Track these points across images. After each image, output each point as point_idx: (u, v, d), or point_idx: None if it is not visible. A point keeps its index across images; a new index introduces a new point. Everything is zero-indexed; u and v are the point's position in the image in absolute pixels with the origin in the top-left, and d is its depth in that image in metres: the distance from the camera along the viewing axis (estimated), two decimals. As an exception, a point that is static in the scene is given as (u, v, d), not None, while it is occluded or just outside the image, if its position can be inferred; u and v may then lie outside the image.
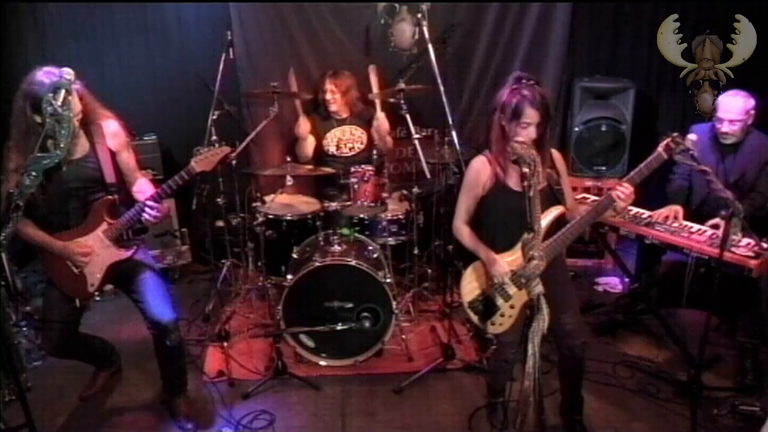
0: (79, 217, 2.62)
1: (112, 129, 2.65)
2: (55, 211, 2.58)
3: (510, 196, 2.43)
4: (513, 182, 2.45)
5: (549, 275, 2.41)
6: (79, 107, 2.49)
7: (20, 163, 2.33)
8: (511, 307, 2.52)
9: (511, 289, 2.49)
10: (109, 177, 2.62)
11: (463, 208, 2.59)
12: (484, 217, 2.57)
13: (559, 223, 2.46)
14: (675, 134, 2.42)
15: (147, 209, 2.56)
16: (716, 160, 3.31)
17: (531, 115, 2.32)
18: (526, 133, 2.34)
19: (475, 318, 2.62)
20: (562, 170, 2.54)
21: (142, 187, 2.72)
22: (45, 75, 2.36)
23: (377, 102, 4.03)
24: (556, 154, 2.54)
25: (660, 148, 2.42)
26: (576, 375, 2.74)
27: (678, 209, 3.22)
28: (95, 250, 2.63)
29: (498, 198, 2.48)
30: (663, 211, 3.19)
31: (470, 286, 2.61)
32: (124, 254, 2.69)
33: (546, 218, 2.39)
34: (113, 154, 2.64)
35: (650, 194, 3.49)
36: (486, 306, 2.57)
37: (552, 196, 2.44)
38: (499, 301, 2.54)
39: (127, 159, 2.72)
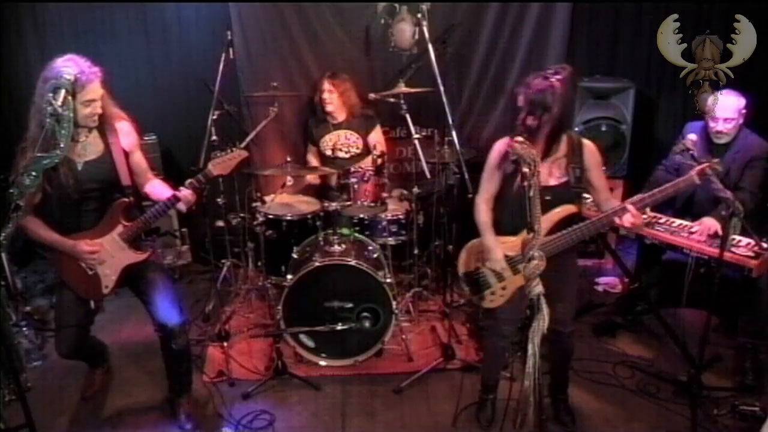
0: (91, 219, 2.62)
1: (125, 129, 2.65)
2: (69, 212, 2.58)
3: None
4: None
5: (555, 264, 2.44)
6: (99, 109, 2.49)
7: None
8: (503, 288, 2.60)
9: (506, 273, 2.55)
10: (125, 179, 2.62)
11: (484, 186, 2.63)
12: (498, 198, 2.60)
13: (572, 221, 2.46)
14: (715, 160, 2.38)
15: (179, 204, 2.58)
16: (709, 160, 3.31)
17: (520, 99, 2.38)
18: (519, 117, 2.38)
19: (466, 289, 2.73)
20: (592, 165, 2.48)
21: (158, 187, 2.72)
22: (70, 60, 2.39)
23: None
24: (589, 147, 2.49)
25: (693, 173, 2.38)
26: (563, 359, 2.82)
27: None
28: (110, 251, 2.63)
29: (511, 184, 2.48)
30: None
31: (468, 259, 2.70)
32: (140, 256, 2.69)
33: (549, 215, 2.41)
34: (127, 156, 2.64)
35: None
36: (479, 281, 2.67)
37: (567, 193, 2.44)
38: (492, 280, 2.63)
39: (140, 159, 2.72)
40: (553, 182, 2.46)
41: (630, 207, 2.39)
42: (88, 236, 2.60)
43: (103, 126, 2.57)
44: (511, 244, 2.53)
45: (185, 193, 2.58)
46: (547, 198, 2.42)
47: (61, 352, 2.74)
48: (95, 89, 2.45)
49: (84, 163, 2.53)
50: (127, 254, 2.66)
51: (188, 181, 2.61)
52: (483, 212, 2.61)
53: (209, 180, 2.67)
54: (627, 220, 2.39)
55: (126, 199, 2.63)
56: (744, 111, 3.26)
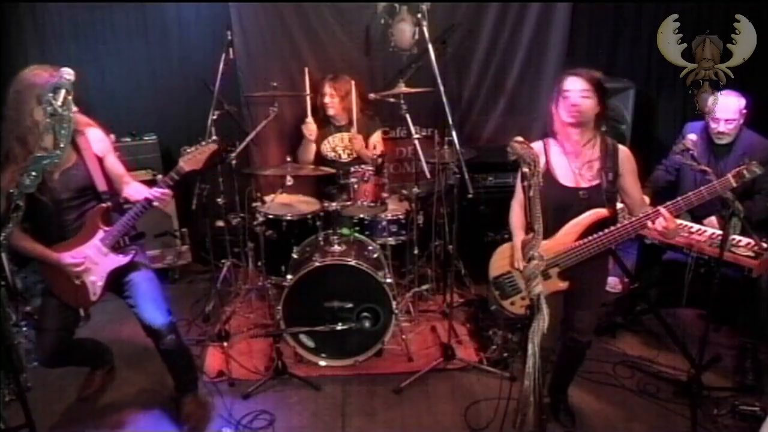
0: (75, 229, 2.61)
1: (95, 135, 2.64)
2: (52, 224, 2.58)
3: (553, 188, 2.40)
4: (561, 175, 2.45)
5: (583, 274, 2.43)
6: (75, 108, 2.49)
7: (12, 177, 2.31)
8: None
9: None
10: (101, 185, 2.60)
11: (518, 188, 2.60)
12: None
13: (604, 225, 2.41)
14: (753, 162, 2.32)
15: (154, 202, 2.56)
16: (711, 161, 3.31)
17: (577, 83, 2.36)
18: (577, 104, 2.37)
19: (496, 293, 2.68)
20: (626, 171, 2.45)
21: (135, 189, 2.69)
22: (36, 69, 2.37)
23: (354, 113, 3.85)
24: (625, 153, 2.45)
25: (730, 176, 2.32)
26: (573, 365, 2.81)
27: (644, 198, 3.24)
28: (94, 258, 2.62)
29: (543, 187, 2.46)
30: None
31: (500, 263, 2.67)
32: (123, 260, 2.68)
33: (578, 220, 2.40)
34: (101, 161, 2.63)
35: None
36: (509, 285, 2.64)
37: (599, 196, 2.41)
38: (522, 284, 2.59)
39: (114, 164, 2.69)
40: (584, 184, 2.44)
41: (664, 211, 2.33)
42: (71, 245, 2.60)
43: (73, 134, 2.53)
44: (543, 248, 2.49)
45: (157, 194, 2.56)
46: (582, 196, 2.42)
47: (40, 359, 2.71)
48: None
49: (59, 173, 2.52)
50: (110, 259, 2.65)
51: (160, 179, 2.60)
52: (516, 215, 2.62)
53: (182, 176, 2.64)
54: (659, 224, 2.33)
55: (104, 205, 2.61)
56: (744, 111, 3.26)
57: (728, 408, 2.89)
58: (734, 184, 2.33)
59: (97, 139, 2.64)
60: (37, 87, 2.34)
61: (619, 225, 2.41)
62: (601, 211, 2.41)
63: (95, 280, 2.66)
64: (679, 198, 2.37)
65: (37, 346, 2.72)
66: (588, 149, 2.45)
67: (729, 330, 3.49)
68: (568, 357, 2.76)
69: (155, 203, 2.58)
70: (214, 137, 3.51)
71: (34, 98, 2.35)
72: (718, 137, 3.31)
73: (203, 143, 2.69)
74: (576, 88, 2.38)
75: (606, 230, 2.40)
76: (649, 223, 2.38)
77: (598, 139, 2.45)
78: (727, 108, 3.21)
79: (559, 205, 2.40)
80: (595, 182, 2.43)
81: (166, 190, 2.59)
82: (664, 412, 2.96)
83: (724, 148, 3.32)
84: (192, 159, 2.64)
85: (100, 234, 2.62)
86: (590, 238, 2.41)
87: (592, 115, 2.40)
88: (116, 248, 2.66)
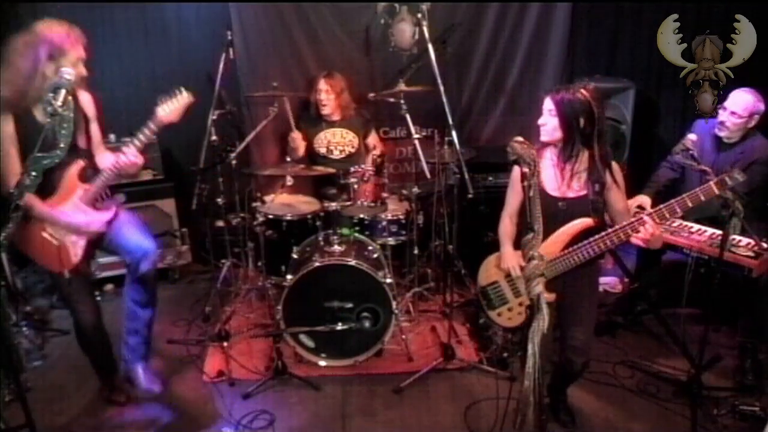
0: (54, 185, 2.56)
1: (85, 97, 2.66)
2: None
3: (540, 197, 2.37)
4: (548, 184, 2.44)
5: (572, 285, 2.41)
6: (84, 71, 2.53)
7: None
8: (520, 304, 2.54)
9: (522, 287, 2.50)
10: (81, 141, 2.60)
11: (508, 200, 2.63)
12: (521, 213, 2.53)
13: (591, 235, 2.39)
14: (735, 170, 2.28)
15: (121, 156, 2.55)
16: (713, 158, 3.32)
17: (546, 103, 2.37)
18: (542, 123, 2.39)
19: (483, 303, 2.69)
20: (612, 183, 2.41)
21: (108, 159, 2.67)
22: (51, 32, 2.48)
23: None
24: (613, 166, 2.43)
25: (712, 183, 2.27)
26: (570, 380, 2.79)
27: (644, 200, 3.22)
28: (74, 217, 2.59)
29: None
30: (630, 202, 3.18)
31: (487, 273, 2.67)
32: (105, 217, 2.65)
33: (565, 229, 2.39)
34: (87, 122, 2.63)
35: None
36: (496, 296, 2.64)
37: (585, 206, 2.39)
38: (509, 295, 2.59)
39: (96, 130, 2.70)
40: (571, 195, 2.43)
41: (647, 219, 2.29)
42: (52, 204, 2.55)
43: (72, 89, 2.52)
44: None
45: (123, 162, 2.54)
46: (562, 207, 2.41)
47: (86, 326, 2.77)
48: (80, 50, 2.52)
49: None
50: (91, 217, 2.62)
51: (136, 140, 2.58)
52: (504, 225, 2.63)
53: (160, 127, 2.64)
54: (646, 231, 2.28)
55: (81, 162, 2.58)
56: (757, 117, 3.24)
57: (728, 408, 2.89)
58: (716, 192, 2.30)
59: (86, 101, 2.65)
60: (55, 44, 2.40)
61: (603, 234, 2.36)
62: (588, 221, 2.39)
63: (75, 240, 2.62)
64: (662, 206, 2.33)
65: (78, 316, 2.77)
66: (574, 161, 2.42)
67: (729, 330, 3.49)
68: (564, 374, 2.74)
69: (120, 166, 2.55)
70: (210, 139, 3.56)
71: (46, 54, 2.38)
72: (718, 127, 3.30)
73: (180, 95, 2.66)
74: (544, 107, 2.40)
75: (590, 239, 2.36)
76: (633, 232, 2.31)
77: (586, 152, 2.42)
78: (737, 102, 3.21)
79: (545, 214, 2.38)
80: (582, 192, 2.42)
81: (135, 158, 2.57)
82: (664, 412, 2.96)
83: (730, 146, 3.32)
84: (171, 110, 2.63)
85: (79, 192, 2.59)
86: (574, 247, 2.38)
87: (555, 135, 2.38)
88: (95, 206, 2.64)
